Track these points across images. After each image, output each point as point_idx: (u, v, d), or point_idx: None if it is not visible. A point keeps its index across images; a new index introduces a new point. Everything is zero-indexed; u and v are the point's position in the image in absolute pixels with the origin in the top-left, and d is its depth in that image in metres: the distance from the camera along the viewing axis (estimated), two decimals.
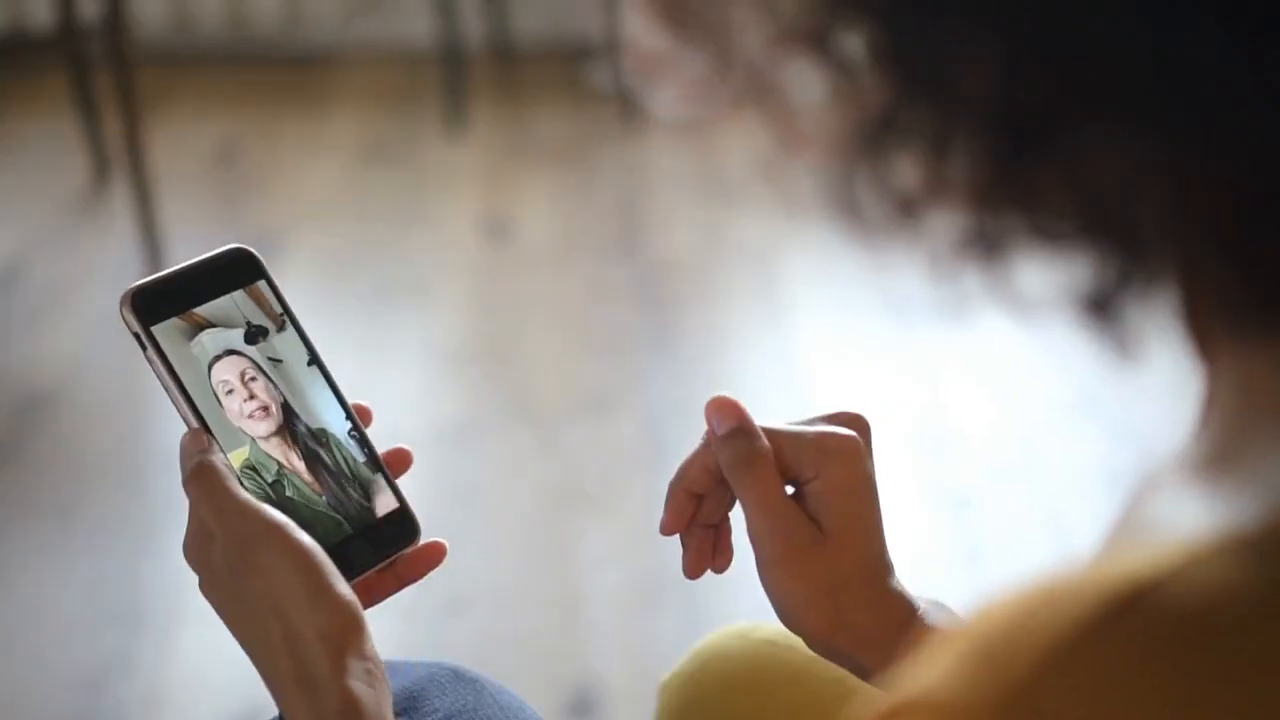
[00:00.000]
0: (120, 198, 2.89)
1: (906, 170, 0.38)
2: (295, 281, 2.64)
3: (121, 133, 2.65)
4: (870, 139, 0.38)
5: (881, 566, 0.72)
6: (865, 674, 0.72)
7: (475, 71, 3.51)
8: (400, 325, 2.57)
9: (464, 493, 2.14)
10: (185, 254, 0.77)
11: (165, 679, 1.81)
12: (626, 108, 3.30)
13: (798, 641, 0.85)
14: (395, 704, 0.80)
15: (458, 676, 0.83)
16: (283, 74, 3.62)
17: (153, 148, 2.75)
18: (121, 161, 2.83)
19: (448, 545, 0.78)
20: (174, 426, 0.75)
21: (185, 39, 3.69)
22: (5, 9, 3.51)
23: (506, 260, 2.79)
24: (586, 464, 2.20)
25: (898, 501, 2.10)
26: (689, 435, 0.74)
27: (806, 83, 0.39)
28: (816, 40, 0.38)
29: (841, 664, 0.73)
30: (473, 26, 3.59)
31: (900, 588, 0.72)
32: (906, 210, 0.39)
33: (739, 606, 1.93)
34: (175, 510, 2.19)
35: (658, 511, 0.74)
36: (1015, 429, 2.25)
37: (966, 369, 2.39)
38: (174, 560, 2.10)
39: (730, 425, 0.72)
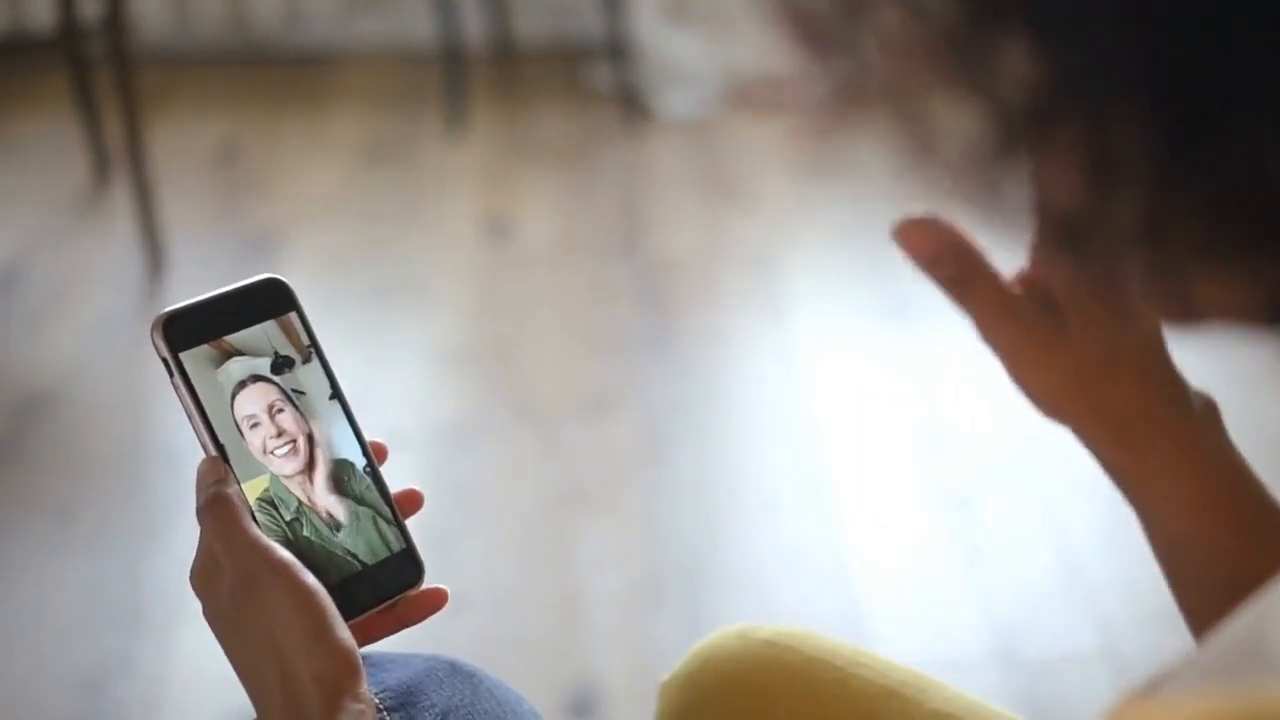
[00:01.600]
0: (120, 198, 2.89)
1: (1058, 180, 0.36)
2: (296, 281, 2.62)
3: (121, 133, 2.65)
4: (1018, 149, 0.36)
5: (1141, 349, 0.69)
6: (1115, 469, 0.71)
7: (475, 71, 3.51)
8: (400, 325, 2.57)
9: (464, 493, 2.14)
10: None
11: (165, 679, 1.81)
12: (627, 108, 3.30)
13: (798, 642, 0.86)
14: (392, 699, 0.80)
15: (455, 670, 0.83)
16: (283, 74, 3.62)
17: (153, 148, 2.74)
18: (121, 161, 2.83)
19: (449, 590, 0.78)
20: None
21: (185, 39, 3.69)
22: (5, 9, 3.51)
23: (507, 260, 2.79)
24: (586, 464, 2.20)
25: (898, 502, 2.10)
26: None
27: (948, 94, 0.37)
28: (962, 51, 0.36)
29: (1101, 452, 0.71)
30: (473, 26, 3.59)
31: (1166, 372, 0.69)
32: (1070, 229, 0.36)
33: (739, 607, 1.93)
34: (175, 511, 2.20)
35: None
36: (1015, 429, 2.25)
37: (966, 369, 2.39)
38: (174, 560, 2.10)
39: (929, 254, 0.68)
